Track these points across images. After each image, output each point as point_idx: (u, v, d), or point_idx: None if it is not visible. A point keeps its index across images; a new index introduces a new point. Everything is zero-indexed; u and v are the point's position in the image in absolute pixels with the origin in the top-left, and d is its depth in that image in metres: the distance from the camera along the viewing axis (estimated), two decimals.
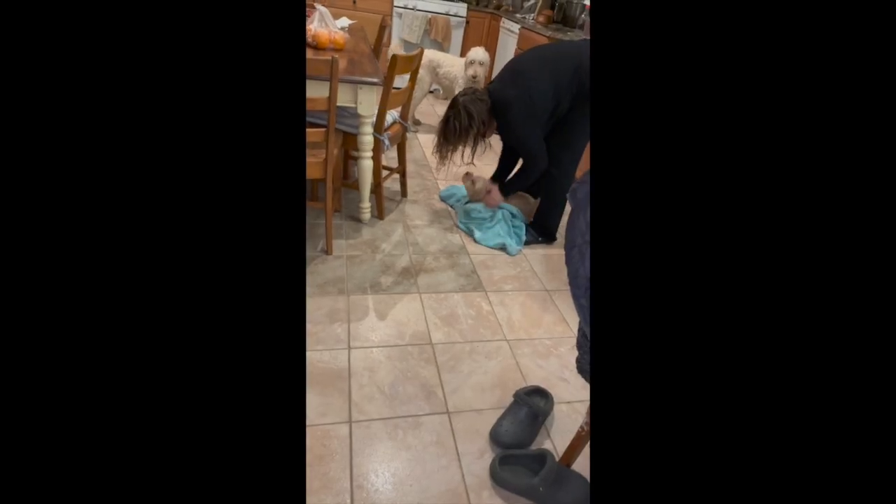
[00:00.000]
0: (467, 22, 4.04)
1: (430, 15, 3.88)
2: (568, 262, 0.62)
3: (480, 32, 4.13)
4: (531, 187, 2.17)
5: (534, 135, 1.87)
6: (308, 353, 1.33)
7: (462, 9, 3.97)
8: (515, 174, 2.10)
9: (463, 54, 4.15)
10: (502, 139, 2.12)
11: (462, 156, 1.98)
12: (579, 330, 0.89)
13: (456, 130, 1.88)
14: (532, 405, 1.21)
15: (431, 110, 3.77)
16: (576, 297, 0.62)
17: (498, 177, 2.22)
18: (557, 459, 1.11)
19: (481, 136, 1.96)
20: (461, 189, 2.32)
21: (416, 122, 3.34)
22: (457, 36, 4.05)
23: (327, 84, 1.44)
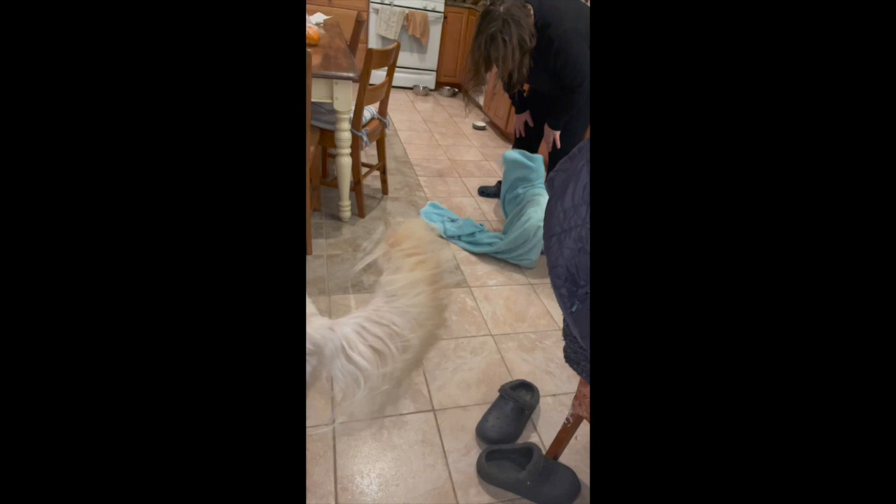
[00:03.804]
0: (445, 17, 4.02)
1: (407, 10, 3.85)
2: (547, 251, 0.61)
3: (458, 27, 4.11)
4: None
5: (588, 57, 1.55)
6: None
7: (440, 3, 3.94)
8: (559, 108, 1.75)
9: (441, 50, 4.13)
10: (531, 78, 1.70)
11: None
12: (565, 319, 0.89)
13: (506, 46, 1.49)
14: (518, 399, 1.20)
15: (411, 106, 3.75)
16: (556, 287, 0.61)
17: (524, 143, 2.04)
18: (544, 452, 1.11)
19: (527, 55, 1.56)
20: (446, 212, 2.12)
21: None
22: (435, 31, 4.03)
23: None
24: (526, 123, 2.07)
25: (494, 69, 1.63)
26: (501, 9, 1.51)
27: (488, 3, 1.56)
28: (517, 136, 2.13)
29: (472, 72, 1.65)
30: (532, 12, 1.57)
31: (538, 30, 1.58)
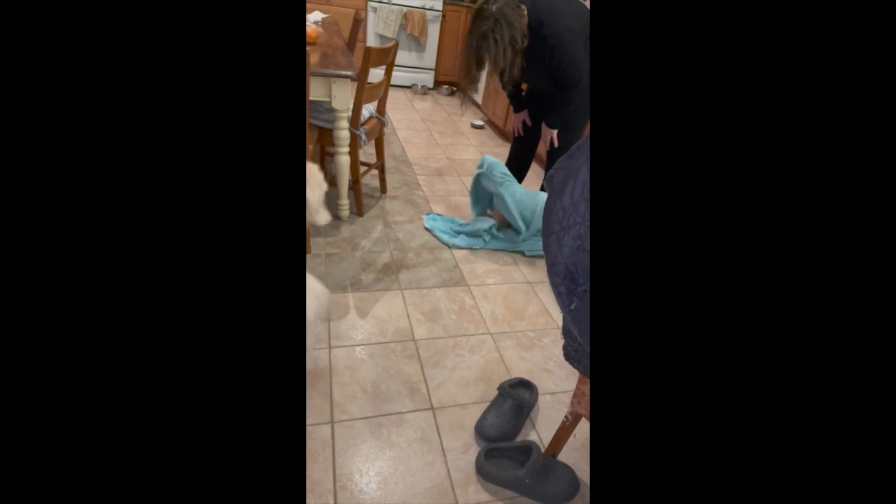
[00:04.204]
0: (443, 16, 4.01)
1: (405, 9, 3.84)
2: (546, 249, 0.61)
3: (457, 26, 4.10)
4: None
5: (583, 56, 1.58)
6: None
7: (438, 2, 3.93)
8: (556, 106, 1.78)
9: (439, 49, 4.12)
10: (527, 77, 1.73)
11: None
12: (564, 317, 0.89)
13: (497, 45, 1.50)
14: (516, 397, 1.20)
15: (409, 105, 3.74)
16: (554, 285, 0.61)
17: (513, 164, 2.08)
18: (543, 450, 1.11)
19: (519, 55, 1.58)
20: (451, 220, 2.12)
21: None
22: (433, 30, 4.02)
23: None
24: (524, 122, 2.07)
25: (489, 68, 1.64)
26: (494, 8, 1.51)
27: (482, 1, 1.57)
28: (515, 135, 2.13)
29: (464, 70, 1.67)
30: (526, 12, 1.58)
31: (532, 29, 1.59)
